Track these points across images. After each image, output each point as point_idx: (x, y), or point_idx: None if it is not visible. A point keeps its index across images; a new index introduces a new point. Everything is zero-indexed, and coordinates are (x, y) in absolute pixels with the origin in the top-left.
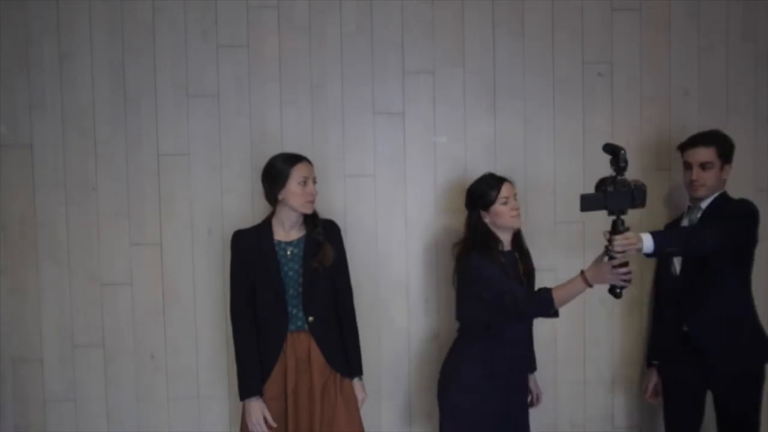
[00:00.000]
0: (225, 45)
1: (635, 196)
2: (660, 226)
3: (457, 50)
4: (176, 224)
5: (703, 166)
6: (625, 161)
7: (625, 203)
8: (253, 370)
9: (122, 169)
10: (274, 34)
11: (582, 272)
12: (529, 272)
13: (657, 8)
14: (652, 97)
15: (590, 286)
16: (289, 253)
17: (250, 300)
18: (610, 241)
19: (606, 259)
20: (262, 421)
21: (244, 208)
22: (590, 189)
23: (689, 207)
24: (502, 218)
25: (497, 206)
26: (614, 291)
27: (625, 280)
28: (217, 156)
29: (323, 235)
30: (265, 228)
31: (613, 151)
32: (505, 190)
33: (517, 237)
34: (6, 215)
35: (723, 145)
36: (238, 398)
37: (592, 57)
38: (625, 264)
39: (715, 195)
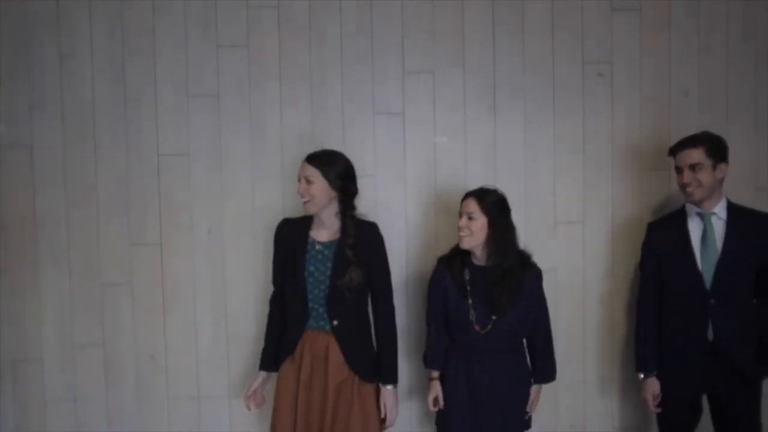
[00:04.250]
0: (225, 45)
1: None
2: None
3: (457, 50)
4: (176, 224)
5: (693, 167)
6: None
7: None
8: (269, 349)
9: (122, 169)
10: (274, 34)
11: None
12: (506, 291)
13: (657, 8)
14: (652, 97)
15: None
16: (318, 253)
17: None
18: None
19: None
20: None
21: (245, 208)
22: (590, 189)
23: (698, 214)
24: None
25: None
26: None
27: None
28: (217, 156)
29: (353, 252)
30: (306, 223)
31: None
32: (462, 205)
33: (499, 255)
34: (6, 215)
35: (712, 144)
36: (238, 398)
37: (592, 57)
38: None
39: (724, 202)
